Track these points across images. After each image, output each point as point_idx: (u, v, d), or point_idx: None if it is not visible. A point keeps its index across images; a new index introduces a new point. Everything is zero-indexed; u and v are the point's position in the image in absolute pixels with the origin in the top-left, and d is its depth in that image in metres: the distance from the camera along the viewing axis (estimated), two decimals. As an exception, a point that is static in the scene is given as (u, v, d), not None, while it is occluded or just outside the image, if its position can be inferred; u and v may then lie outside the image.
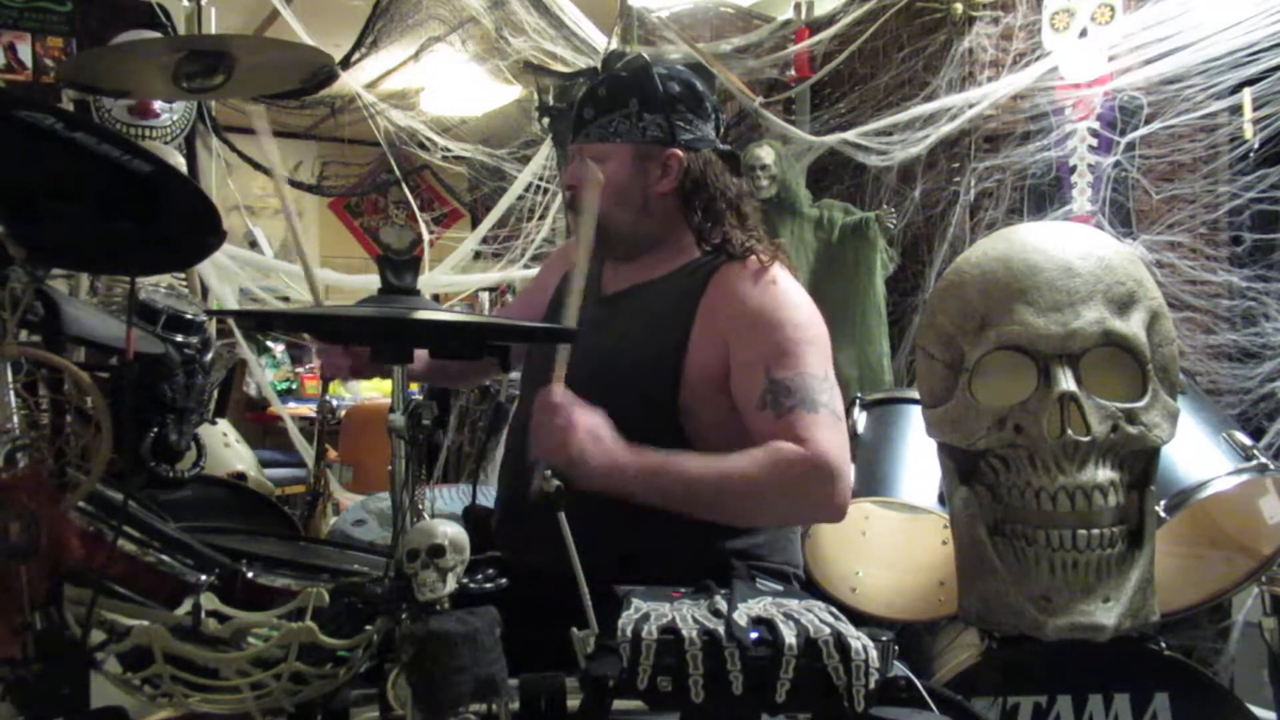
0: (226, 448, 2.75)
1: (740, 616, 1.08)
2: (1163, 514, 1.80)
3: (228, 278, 3.57)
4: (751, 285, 1.63)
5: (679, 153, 1.69)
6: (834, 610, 1.13)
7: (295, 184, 5.47)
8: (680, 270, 1.72)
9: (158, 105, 3.28)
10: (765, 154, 3.41)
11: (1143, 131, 2.98)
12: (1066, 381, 1.56)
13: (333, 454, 4.26)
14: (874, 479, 2.06)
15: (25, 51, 3.40)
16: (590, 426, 1.45)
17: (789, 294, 1.64)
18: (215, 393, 2.28)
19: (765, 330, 1.60)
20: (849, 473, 1.55)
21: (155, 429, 1.90)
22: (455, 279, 4.26)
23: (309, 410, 4.76)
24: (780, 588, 1.51)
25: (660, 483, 1.50)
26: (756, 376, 1.57)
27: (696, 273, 1.69)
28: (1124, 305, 1.59)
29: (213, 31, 3.55)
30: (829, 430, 1.53)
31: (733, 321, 1.61)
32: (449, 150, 4.04)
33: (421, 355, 1.93)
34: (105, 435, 1.10)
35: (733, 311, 1.62)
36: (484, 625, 1.00)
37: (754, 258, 1.66)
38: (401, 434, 1.10)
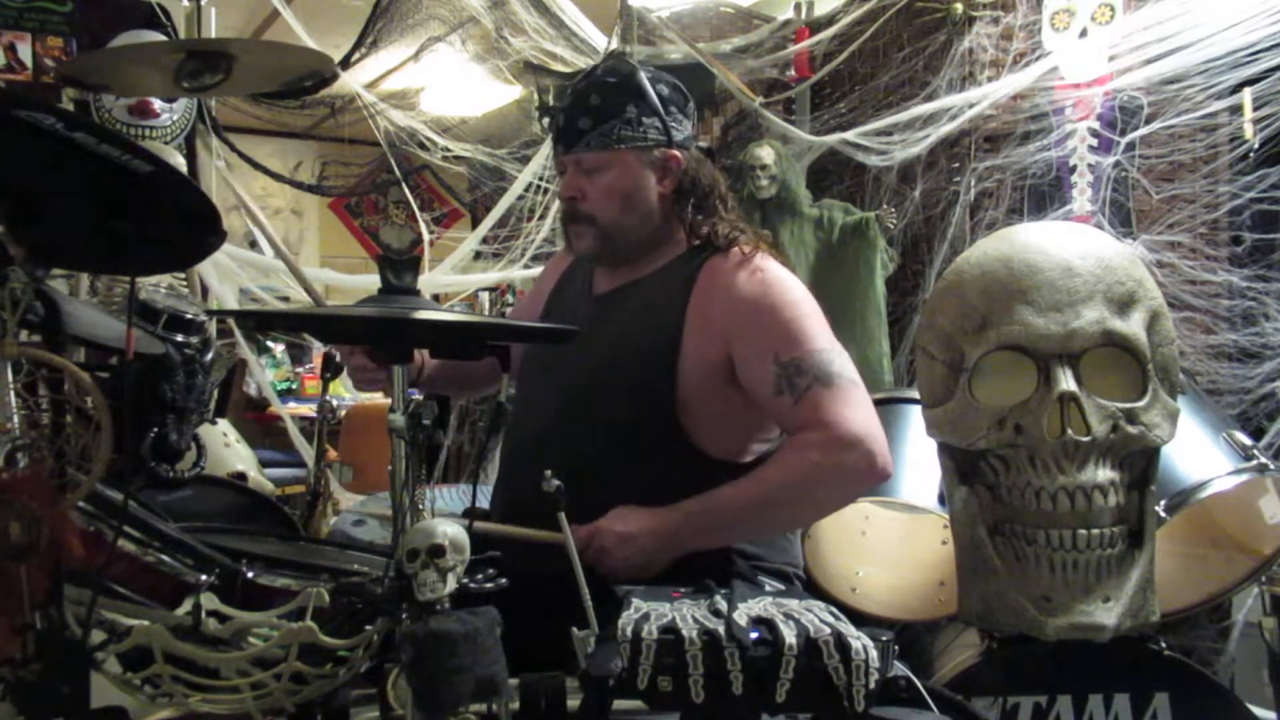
0: (226, 448, 2.75)
1: (740, 616, 1.07)
2: (1163, 514, 1.80)
3: (228, 278, 3.57)
4: (740, 276, 1.65)
5: (678, 154, 1.70)
6: (834, 610, 1.13)
7: (295, 184, 5.48)
8: (668, 265, 1.73)
9: (158, 105, 3.27)
10: (765, 154, 3.41)
11: (1143, 131, 2.98)
12: (1066, 381, 1.56)
13: (333, 454, 4.26)
14: (874, 479, 2.06)
15: (25, 51, 3.40)
16: (616, 536, 1.49)
17: (777, 277, 1.66)
18: (215, 393, 2.27)
19: (764, 318, 1.61)
20: (878, 431, 1.57)
21: (155, 429, 1.89)
22: (455, 279, 4.26)
23: (309, 410, 4.76)
24: (782, 587, 1.51)
25: (707, 523, 1.56)
26: (766, 364, 1.59)
27: (685, 267, 1.70)
28: (1124, 305, 1.59)
29: (212, 32, 3.54)
30: (848, 400, 1.57)
31: (728, 315, 1.63)
32: (449, 150, 4.04)
33: (427, 364, 1.94)
34: (105, 435, 1.10)
35: (726, 305, 1.63)
36: (484, 625, 1.00)
37: (737, 248, 1.68)
38: (401, 434, 1.10)
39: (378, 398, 5.19)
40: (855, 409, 1.57)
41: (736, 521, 1.58)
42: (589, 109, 1.67)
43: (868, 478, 1.58)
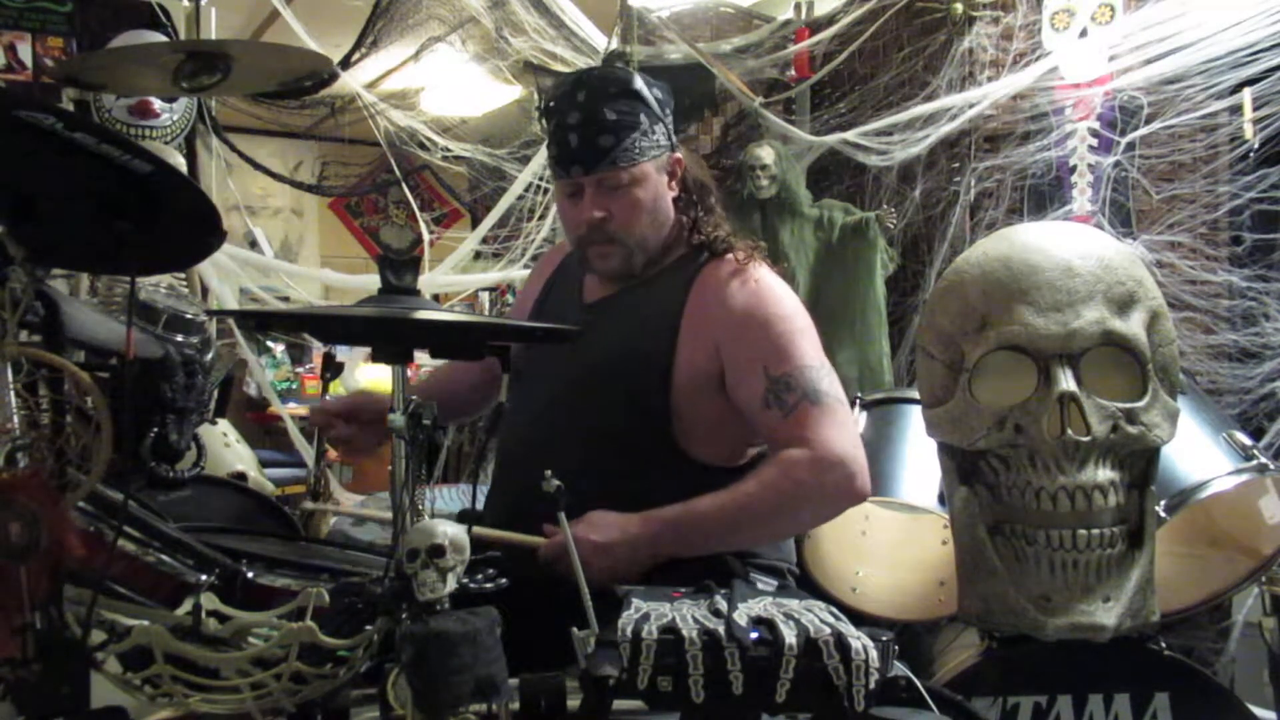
0: (226, 448, 2.75)
1: (740, 616, 1.07)
2: (1163, 514, 1.80)
3: (228, 278, 3.57)
4: (734, 286, 1.64)
5: (679, 156, 1.71)
6: (834, 610, 1.13)
7: (295, 184, 5.47)
8: (665, 271, 1.72)
9: (158, 105, 3.28)
10: (765, 154, 3.41)
11: (1143, 131, 2.98)
12: (1066, 381, 1.56)
13: (333, 454, 4.25)
14: (874, 479, 2.05)
15: (25, 51, 3.40)
16: (593, 546, 1.47)
17: (772, 289, 1.65)
18: (215, 393, 2.27)
19: (755, 330, 1.61)
20: (861, 454, 1.58)
21: (155, 429, 1.89)
22: (455, 279, 4.26)
23: (309, 410, 4.75)
24: (774, 583, 1.51)
25: (684, 533, 1.55)
26: (755, 377, 1.59)
27: (680, 273, 1.70)
28: (1124, 305, 1.59)
29: (212, 32, 3.55)
30: (834, 420, 1.57)
31: (721, 325, 1.62)
32: (449, 150, 4.04)
33: (433, 387, 1.93)
34: (105, 435, 1.10)
35: (720, 315, 1.63)
36: (484, 625, 1.00)
37: (732, 256, 1.67)
38: (401, 434, 1.10)
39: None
40: (841, 429, 1.57)
41: (713, 533, 1.57)
42: (605, 125, 1.61)
43: (847, 498, 1.59)
